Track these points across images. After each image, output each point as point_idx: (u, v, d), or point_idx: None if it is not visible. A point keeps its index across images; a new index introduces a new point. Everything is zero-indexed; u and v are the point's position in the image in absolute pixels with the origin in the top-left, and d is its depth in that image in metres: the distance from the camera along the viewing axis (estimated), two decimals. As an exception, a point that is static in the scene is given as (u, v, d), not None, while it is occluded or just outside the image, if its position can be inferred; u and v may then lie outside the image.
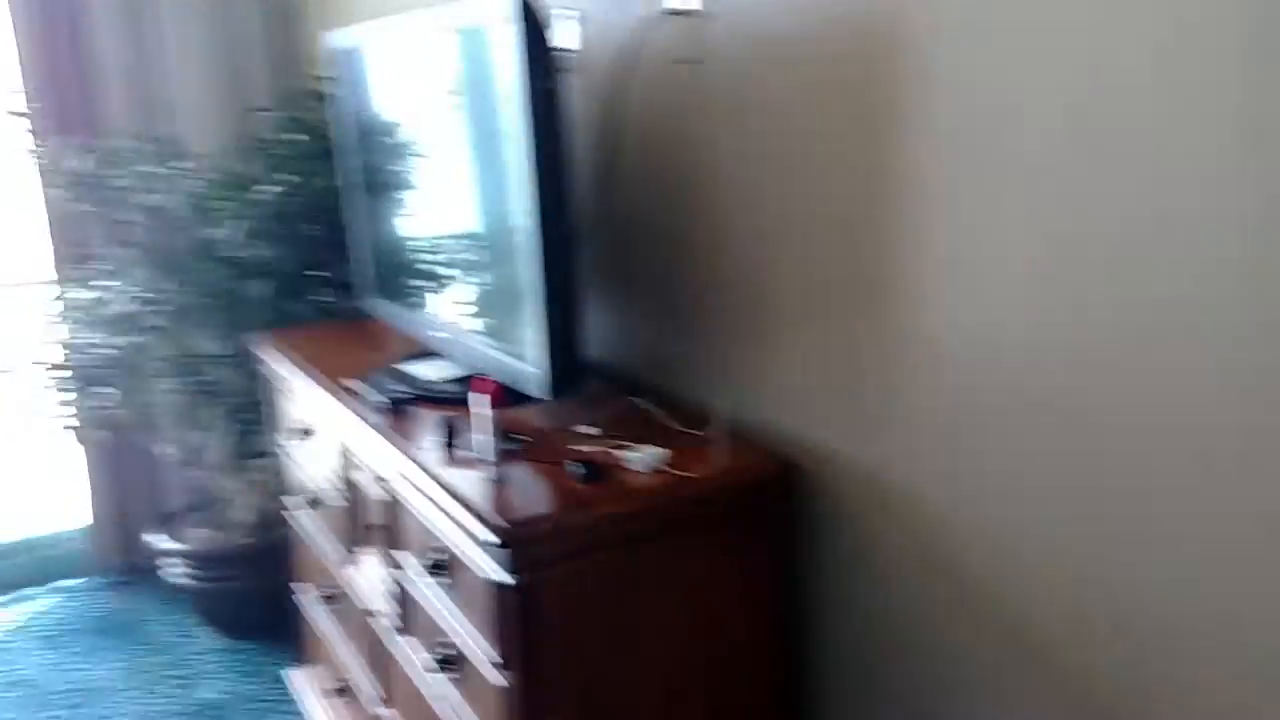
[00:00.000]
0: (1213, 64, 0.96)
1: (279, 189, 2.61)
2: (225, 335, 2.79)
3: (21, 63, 2.91)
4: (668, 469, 1.47)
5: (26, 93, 2.89)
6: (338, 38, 2.16)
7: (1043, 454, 1.19)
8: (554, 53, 1.48)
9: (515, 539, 1.31)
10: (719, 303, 1.69)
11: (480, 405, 1.54)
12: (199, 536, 2.99)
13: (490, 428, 1.52)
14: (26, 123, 2.75)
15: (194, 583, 2.94)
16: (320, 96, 2.71)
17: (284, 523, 2.61)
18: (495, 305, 1.76)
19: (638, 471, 1.47)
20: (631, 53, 1.67)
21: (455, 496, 1.42)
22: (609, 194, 1.87)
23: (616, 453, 1.52)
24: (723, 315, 1.69)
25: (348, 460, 1.96)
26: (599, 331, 2.02)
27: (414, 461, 1.56)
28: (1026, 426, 1.21)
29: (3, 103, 2.66)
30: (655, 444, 1.53)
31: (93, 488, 3.24)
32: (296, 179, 2.64)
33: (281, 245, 2.68)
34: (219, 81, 3.09)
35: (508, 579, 1.33)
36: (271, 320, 2.70)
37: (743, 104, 1.56)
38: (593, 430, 1.63)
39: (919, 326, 1.32)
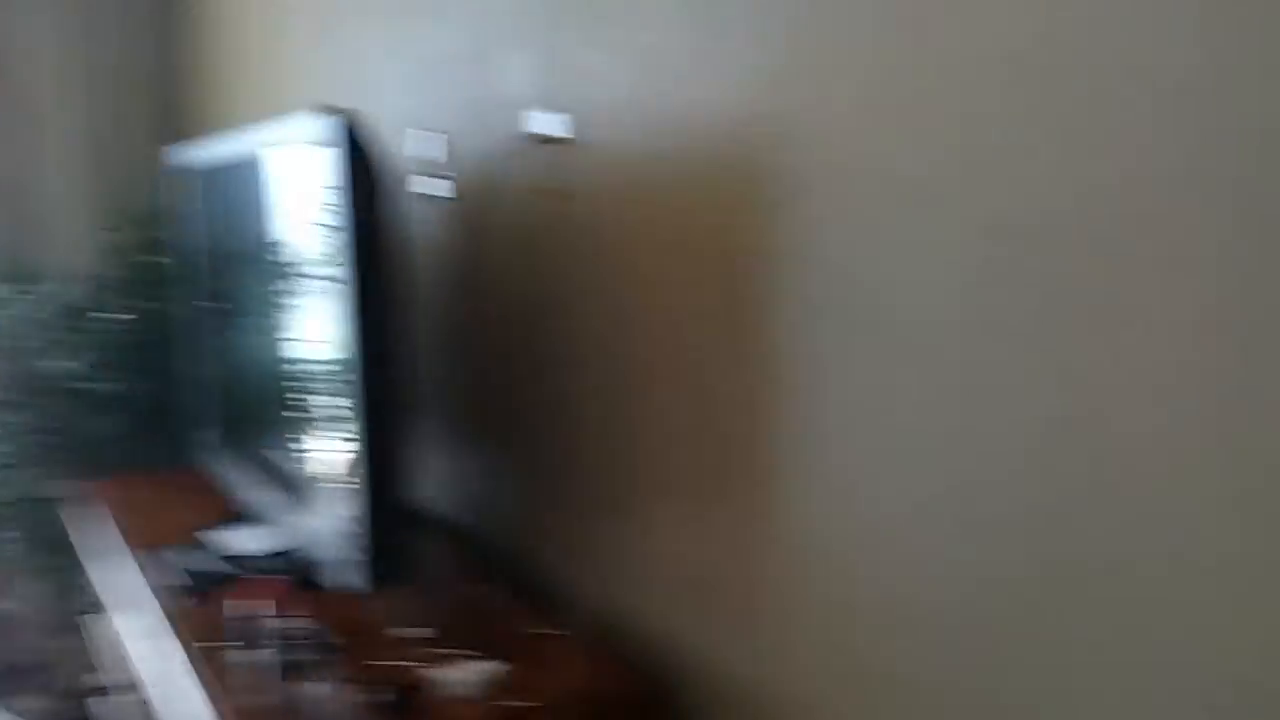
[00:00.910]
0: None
1: (129, 316, 2.32)
2: (71, 476, 2.44)
3: None
4: (501, 694, 1.16)
5: None
6: (183, 153, 1.92)
7: (946, 691, 0.92)
8: (378, 176, 1.24)
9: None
10: (581, 469, 1.41)
11: (268, 601, 1.23)
12: (21, 705, 2.57)
13: (279, 634, 1.21)
14: None
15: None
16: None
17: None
18: (316, 468, 1.46)
19: (463, 696, 1.16)
20: (497, 181, 1.44)
21: (212, 731, 1.09)
22: (468, 335, 1.61)
23: (441, 668, 1.21)
24: (584, 484, 1.41)
25: (132, 649, 1.62)
26: (455, 494, 1.72)
27: (187, 668, 1.23)
28: (923, 648, 0.93)
29: None
30: (496, 650, 1.23)
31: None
32: (153, 305, 2.36)
33: (136, 378, 2.37)
34: (91, 196, 2.79)
35: None
36: (125, 461, 2.36)
37: (609, 244, 1.32)
38: (420, 632, 1.32)
39: (791, 518, 1.06)
